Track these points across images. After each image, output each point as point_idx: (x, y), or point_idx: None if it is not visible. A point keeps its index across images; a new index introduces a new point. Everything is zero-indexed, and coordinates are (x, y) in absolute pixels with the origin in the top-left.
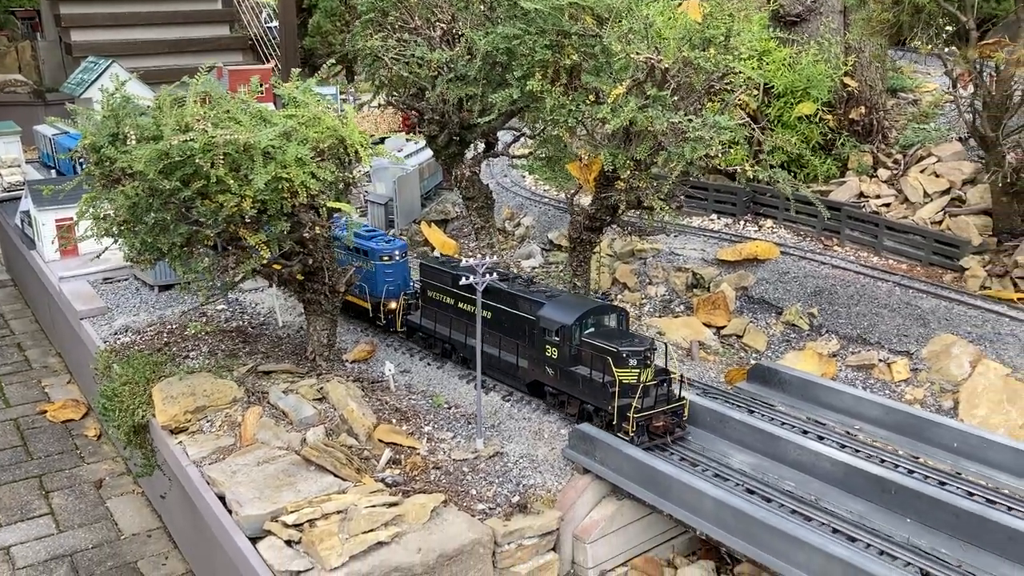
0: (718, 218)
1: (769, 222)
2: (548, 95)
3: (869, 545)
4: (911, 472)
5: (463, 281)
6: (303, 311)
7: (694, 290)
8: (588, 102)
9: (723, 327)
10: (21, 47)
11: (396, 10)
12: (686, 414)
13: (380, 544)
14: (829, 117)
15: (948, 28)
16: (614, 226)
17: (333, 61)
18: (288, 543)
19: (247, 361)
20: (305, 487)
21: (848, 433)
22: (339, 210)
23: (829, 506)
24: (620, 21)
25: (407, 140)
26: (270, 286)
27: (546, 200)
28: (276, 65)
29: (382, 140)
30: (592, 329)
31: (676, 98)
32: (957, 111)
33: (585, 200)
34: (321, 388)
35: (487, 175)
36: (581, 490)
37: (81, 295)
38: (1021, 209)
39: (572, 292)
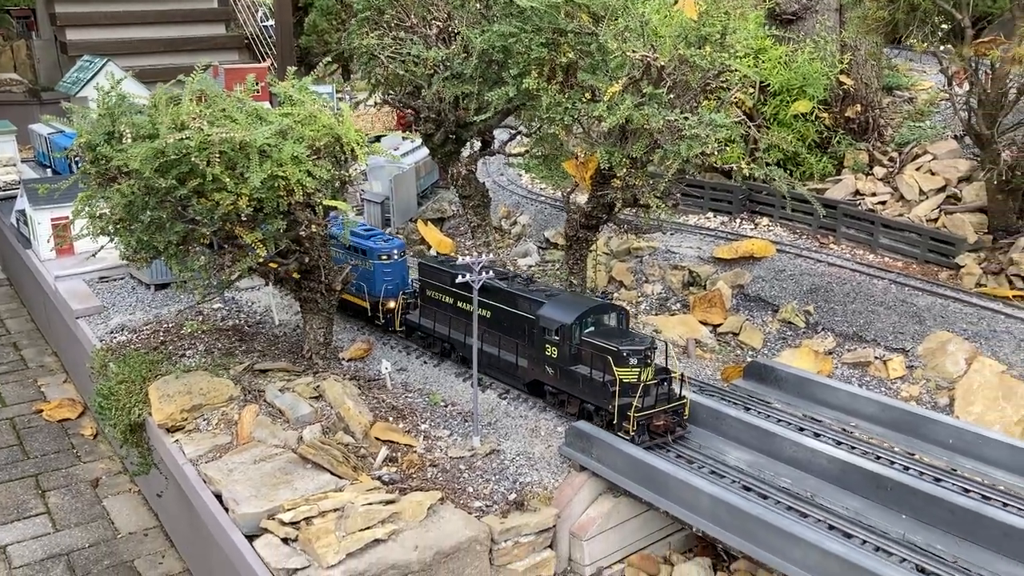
0: (714, 216)
1: (765, 220)
2: (544, 93)
3: (865, 541)
4: (907, 469)
5: (459, 279)
6: (299, 309)
7: (690, 288)
8: (584, 100)
9: (719, 325)
10: (16, 46)
11: (392, 8)
12: (687, 413)
13: (377, 542)
14: (825, 115)
15: (944, 26)
16: (610, 224)
17: (329, 59)
18: (285, 541)
19: (243, 359)
20: (302, 485)
21: (844, 430)
22: (335, 208)
23: (825, 503)
24: (616, 19)
25: (403, 138)
26: (266, 284)
27: (542, 198)
28: (272, 64)
29: (378, 138)
30: (592, 328)
31: (672, 96)
32: (953, 109)
33: (581, 198)
34: (318, 386)
35: (483, 173)
36: (578, 487)
37: (77, 294)
38: (1016, 206)
39: (570, 291)
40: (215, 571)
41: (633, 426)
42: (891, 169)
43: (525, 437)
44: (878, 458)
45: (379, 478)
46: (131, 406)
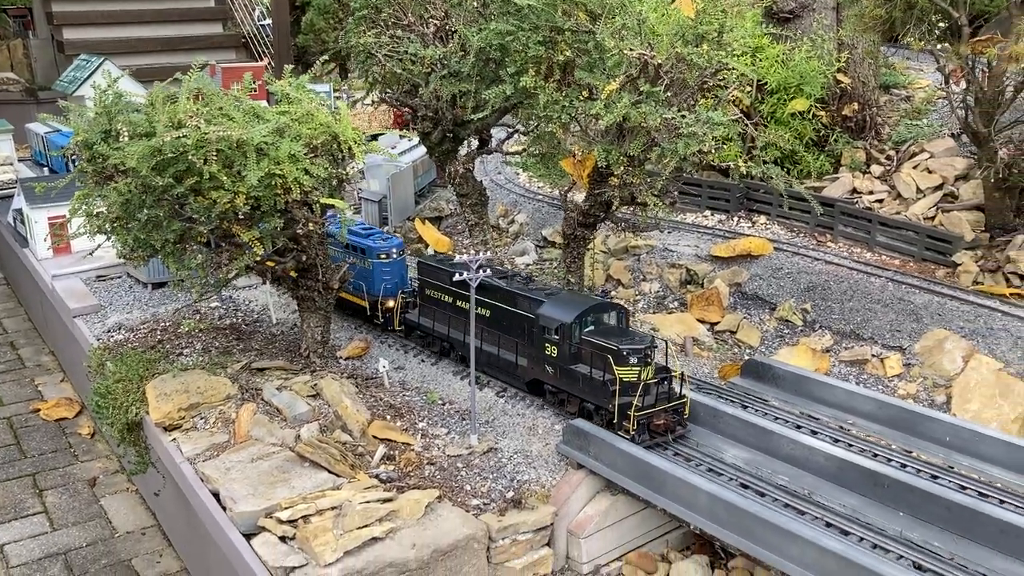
0: (711, 214)
1: (762, 218)
2: (541, 91)
3: (862, 539)
4: (904, 466)
5: (456, 277)
6: (297, 308)
7: (688, 286)
8: (581, 98)
9: (717, 323)
10: (13, 45)
11: (389, 7)
12: (687, 412)
13: (374, 540)
14: (822, 113)
15: (940, 24)
16: (608, 222)
17: (326, 58)
18: (282, 539)
19: (241, 358)
20: (299, 483)
21: (841, 428)
22: (332, 207)
23: (822, 500)
24: (613, 17)
25: (400, 137)
26: (264, 283)
27: (540, 197)
28: (269, 63)
29: (376, 137)
30: (592, 327)
31: (669, 94)
32: (949, 107)
33: (579, 196)
34: (315, 385)
35: (481, 172)
36: (575, 485)
37: (74, 293)
38: (1013, 204)
39: (569, 289)
40: (213, 570)
41: (633, 425)
42: (888, 167)
43: (523, 435)
44: (875, 456)
45: (377, 476)
46: (128, 405)
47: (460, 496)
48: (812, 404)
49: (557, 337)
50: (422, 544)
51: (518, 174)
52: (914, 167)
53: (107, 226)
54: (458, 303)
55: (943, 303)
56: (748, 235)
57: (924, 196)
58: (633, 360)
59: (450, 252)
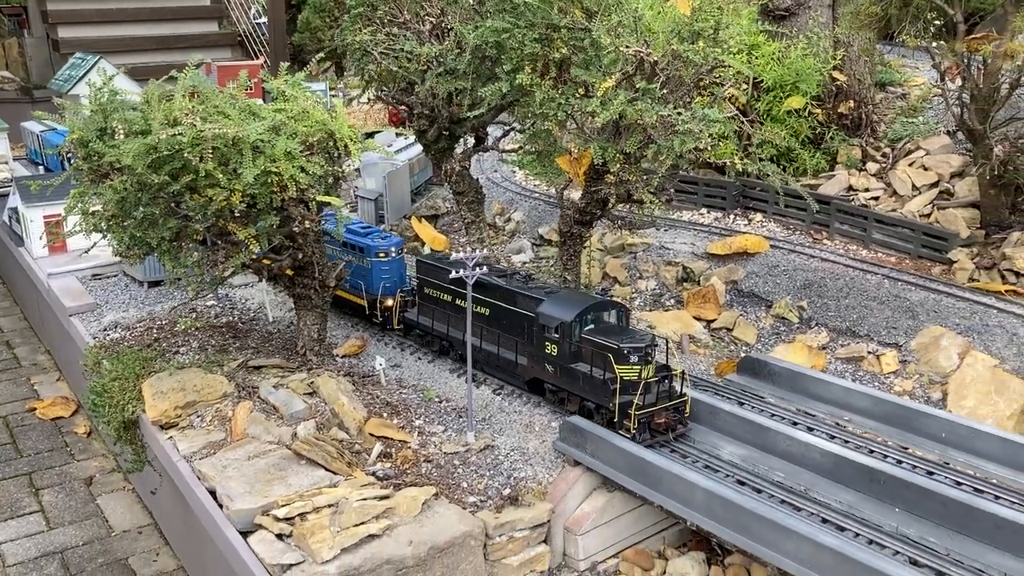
0: (708, 212)
1: (759, 216)
2: (538, 89)
3: (858, 534)
4: (900, 462)
5: (452, 275)
6: (293, 306)
7: (684, 284)
8: (578, 95)
9: (713, 320)
10: (8, 43)
11: (385, 4)
12: (688, 410)
13: (371, 537)
14: (818, 111)
15: (936, 22)
16: (604, 220)
17: (322, 55)
18: (279, 537)
19: (237, 356)
20: (296, 481)
21: (837, 424)
22: (329, 204)
23: (819, 496)
24: (609, 14)
25: (397, 135)
26: (260, 281)
27: (536, 195)
28: (265, 61)
29: (372, 135)
30: (592, 325)
31: (665, 91)
32: (945, 104)
33: (575, 194)
34: (312, 383)
35: (477, 170)
36: (572, 482)
37: (70, 291)
38: (1008, 201)
39: (568, 288)
40: (209, 568)
41: (634, 424)
42: (884, 165)
43: (519, 432)
44: (871, 452)
45: (373, 474)
46: (124, 403)
47: (457, 493)
48: (808, 401)
49: (557, 336)
50: (419, 541)
51: (514, 172)
52: (910, 164)
53: (103, 224)
54: (457, 302)
55: (939, 300)
56: (744, 233)
57: (920, 193)
58: (634, 359)
59: (447, 250)
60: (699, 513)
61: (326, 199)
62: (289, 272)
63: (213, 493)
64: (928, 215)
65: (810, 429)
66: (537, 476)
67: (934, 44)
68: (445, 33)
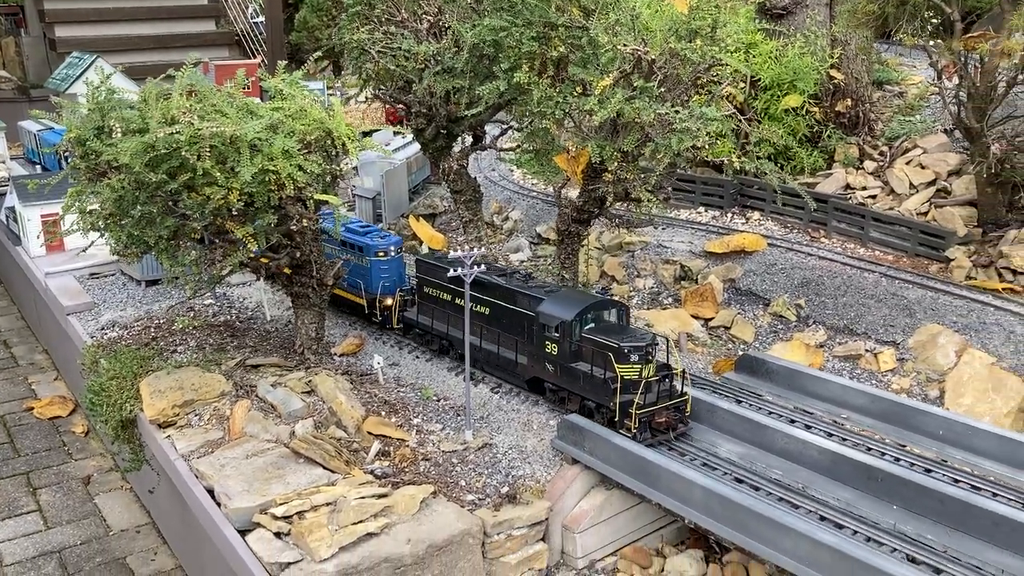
0: (705, 211)
1: (756, 214)
2: (535, 87)
3: (856, 532)
4: (897, 460)
5: (451, 273)
6: (291, 305)
7: (682, 282)
8: (575, 94)
9: (711, 319)
10: (5, 43)
11: (383, 3)
12: (688, 409)
13: (369, 535)
14: (815, 109)
15: (933, 20)
16: (602, 218)
17: (319, 54)
18: (277, 535)
19: (235, 355)
20: (294, 479)
21: (835, 422)
22: (326, 203)
23: (816, 494)
24: (607, 12)
25: (395, 133)
26: (258, 280)
27: (534, 194)
28: (263, 60)
29: (369, 133)
30: (592, 324)
31: (663, 90)
32: (942, 103)
33: (573, 193)
34: (310, 381)
35: (475, 169)
36: (570, 480)
37: (67, 291)
38: (1006, 199)
39: (566, 286)
40: (207, 567)
41: (635, 423)
42: (881, 163)
43: (517, 431)
44: (869, 449)
45: (371, 472)
46: (122, 402)
47: (455, 492)
48: (806, 399)
49: (557, 335)
50: (417, 539)
51: (512, 171)
52: (907, 163)
53: (100, 223)
54: (456, 301)
55: (936, 298)
56: (742, 231)
57: (917, 192)
58: (634, 358)
59: (445, 249)
60: (697, 511)
61: (324, 197)
62: (287, 271)
63: (211, 492)
64: (925, 213)
65: (808, 427)
66: (535, 474)
67: (931, 42)
68: (443, 32)
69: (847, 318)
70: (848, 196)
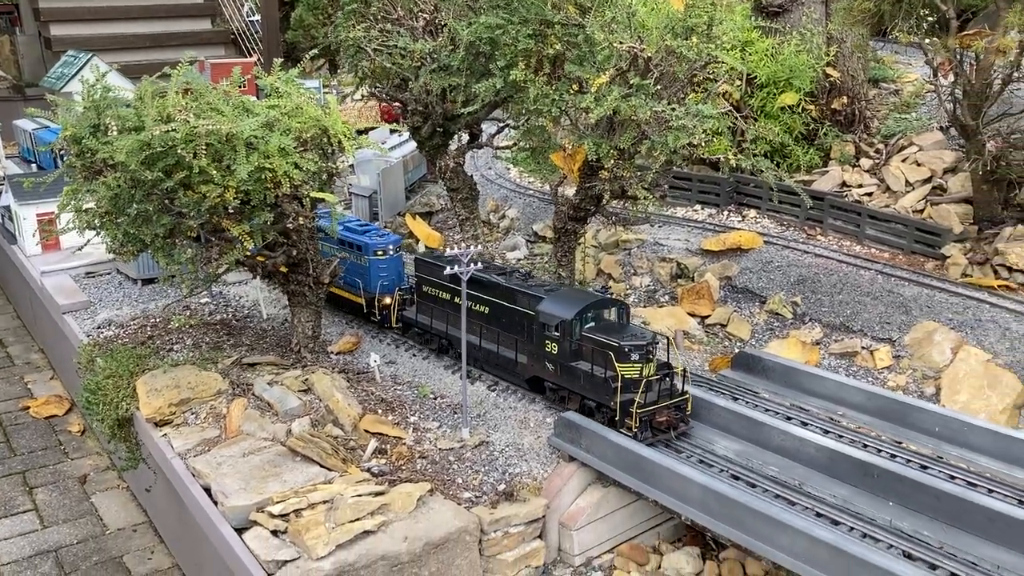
0: (702, 208)
1: (752, 212)
2: (531, 85)
3: (852, 528)
4: (893, 456)
5: (448, 271)
6: (287, 303)
7: (678, 280)
8: (571, 91)
9: (707, 316)
10: (0, 41)
11: (379, 0)
12: (689, 408)
13: (366, 533)
14: (811, 107)
15: (929, 18)
16: (598, 216)
17: (315, 52)
18: (274, 533)
19: (232, 353)
20: (291, 477)
21: (831, 419)
22: (323, 201)
23: (813, 490)
24: (603, 10)
25: (391, 132)
26: (254, 278)
27: (531, 192)
28: (259, 59)
29: (366, 131)
30: (592, 323)
31: (659, 87)
32: (938, 100)
33: (569, 191)
34: (306, 379)
35: (471, 167)
36: (567, 478)
37: (63, 289)
38: (1001, 197)
39: (565, 285)
40: (205, 565)
41: (635, 423)
42: (877, 161)
43: (514, 428)
44: (865, 446)
45: (368, 470)
46: (118, 401)
47: (452, 489)
48: (802, 396)
49: (557, 334)
50: (414, 537)
51: (508, 169)
52: (903, 160)
53: (96, 221)
54: (455, 300)
55: (932, 295)
56: (738, 229)
57: (913, 189)
58: (635, 356)
59: (441, 247)
60: (694, 508)
61: (320, 195)
62: (283, 269)
63: (208, 490)
64: (921, 211)
65: (804, 424)
66: (532, 472)
67: (927, 40)
68: (439, 29)
69: (843, 315)
70: (844, 194)
